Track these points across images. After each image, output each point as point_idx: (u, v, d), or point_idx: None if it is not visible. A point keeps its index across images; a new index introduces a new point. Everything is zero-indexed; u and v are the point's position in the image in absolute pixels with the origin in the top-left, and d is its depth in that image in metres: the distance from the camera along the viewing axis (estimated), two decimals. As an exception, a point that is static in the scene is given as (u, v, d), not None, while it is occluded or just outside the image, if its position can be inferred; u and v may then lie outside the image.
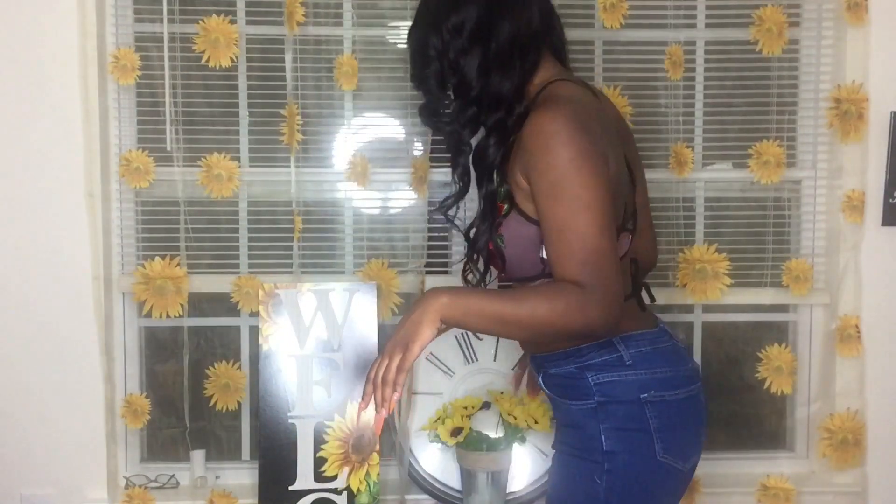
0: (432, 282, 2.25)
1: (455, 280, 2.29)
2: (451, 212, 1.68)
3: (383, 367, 1.45)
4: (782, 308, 2.36)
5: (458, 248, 2.30)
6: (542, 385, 1.63)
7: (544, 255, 1.46)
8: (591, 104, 1.52)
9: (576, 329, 1.39)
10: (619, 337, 1.52)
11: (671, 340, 1.60)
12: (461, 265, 1.71)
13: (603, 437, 1.50)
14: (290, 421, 2.12)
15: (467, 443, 2.11)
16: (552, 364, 1.58)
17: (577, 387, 1.54)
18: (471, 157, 1.60)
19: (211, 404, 2.24)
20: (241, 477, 2.28)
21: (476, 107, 1.54)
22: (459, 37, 1.52)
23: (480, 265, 1.63)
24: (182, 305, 2.19)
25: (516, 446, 2.16)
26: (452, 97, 1.59)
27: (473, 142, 1.61)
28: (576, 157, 1.39)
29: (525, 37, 1.54)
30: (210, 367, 2.24)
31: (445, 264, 2.31)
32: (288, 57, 2.17)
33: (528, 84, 1.55)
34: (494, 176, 1.55)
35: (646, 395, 1.50)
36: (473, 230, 1.58)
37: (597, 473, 1.50)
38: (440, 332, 1.46)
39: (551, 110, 1.44)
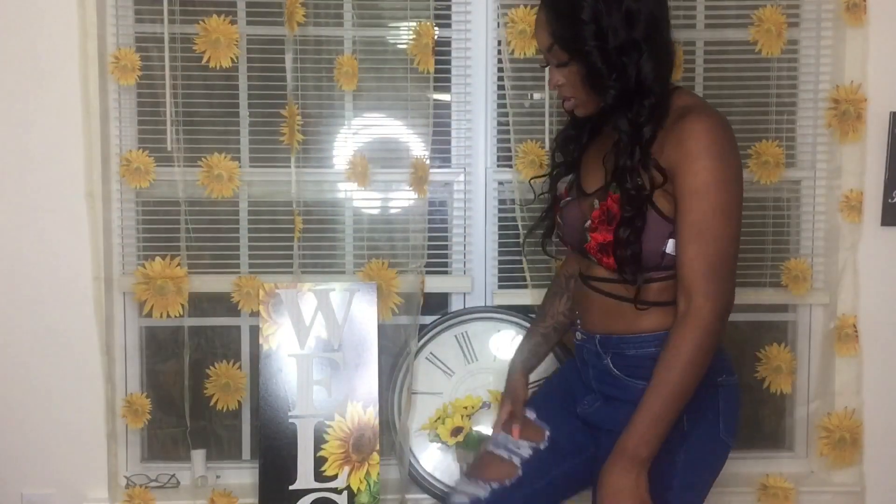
0: (432, 282, 2.26)
1: (457, 280, 2.30)
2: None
3: None
4: (781, 308, 2.36)
5: (457, 247, 2.30)
6: (610, 365, 1.66)
7: (668, 251, 1.55)
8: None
9: (711, 342, 1.51)
10: None
11: None
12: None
13: (685, 418, 1.56)
14: (291, 421, 2.12)
15: (467, 443, 2.11)
16: (633, 346, 1.63)
17: None
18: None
19: (212, 404, 2.25)
20: (242, 476, 2.29)
21: (639, 94, 1.56)
22: (630, 27, 1.53)
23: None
24: (182, 305, 2.19)
25: (516, 446, 2.16)
26: (616, 77, 1.56)
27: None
28: (726, 167, 1.50)
29: (670, 38, 1.63)
30: (210, 367, 2.25)
31: (445, 264, 2.32)
32: (288, 57, 2.18)
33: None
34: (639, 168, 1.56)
35: (720, 378, 1.62)
36: (625, 235, 1.56)
37: (675, 453, 1.58)
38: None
39: (710, 119, 1.52)
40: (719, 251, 1.51)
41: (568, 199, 1.73)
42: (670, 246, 1.55)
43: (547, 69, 1.68)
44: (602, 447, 1.65)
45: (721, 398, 1.63)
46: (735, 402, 1.68)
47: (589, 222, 1.62)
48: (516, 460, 1.78)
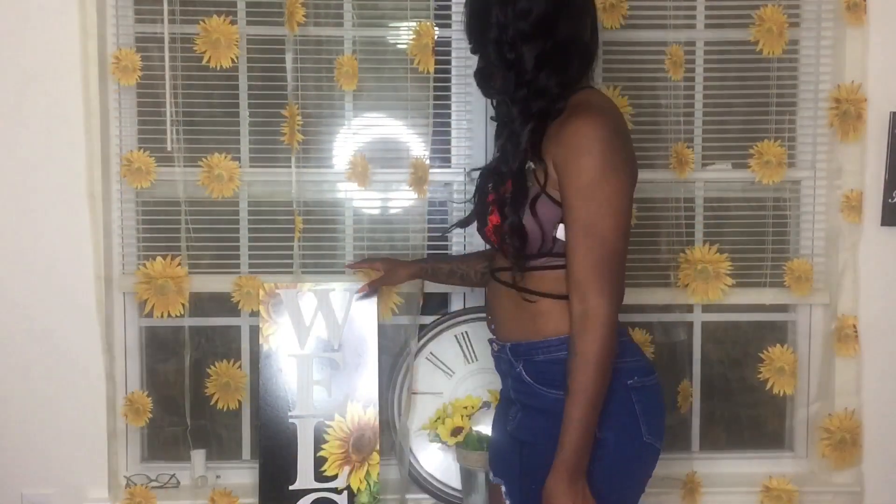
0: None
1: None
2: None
3: None
4: (781, 308, 2.35)
5: (457, 248, 2.30)
6: (523, 373, 1.64)
7: (559, 236, 1.57)
8: (621, 115, 1.67)
9: (612, 338, 1.52)
10: None
11: (628, 333, 1.74)
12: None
13: (598, 427, 1.54)
14: (291, 420, 2.12)
15: (467, 443, 2.11)
16: (541, 351, 1.61)
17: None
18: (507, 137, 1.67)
19: (212, 403, 2.25)
20: (242, 476, 2.28)
21: (526, 90, 1.60)
22: (523, 21, 1.58)
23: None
24: (183, 305, 2.20)
25: (516, 446, 2.16)
26: (507, 70, 1.62)
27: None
28: (610, 163, 1.52)
29: (580, 43, 1.64)
30: (211, 367, 2.25)
31: (445, 264, 2.32)
32: (288, 57, 2.18)
33: (573, 85, 1.63)
34: (527, 157, 1.61)
35: (631, 381, 1.60)
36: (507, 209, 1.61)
37: (590, 462, 1.54)
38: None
39: (593, 116, 1.54)
40: (608, 249, 1.51)
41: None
42: (560, 231, 1.56)
43: None
44: (524, 461, 1.63)
45: (636, 400, 1.60)
46: (655, 402, 1.65)
47: (490, 208, 1.66)
48: None
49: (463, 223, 1.92)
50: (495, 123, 1.73)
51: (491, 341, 1.75)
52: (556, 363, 1.58)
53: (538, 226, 1.57)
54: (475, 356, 2.23)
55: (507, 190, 1.62)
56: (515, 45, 1.59)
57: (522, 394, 1.66)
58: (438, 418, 2.16)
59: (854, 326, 2.24)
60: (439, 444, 2.18)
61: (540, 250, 1.59)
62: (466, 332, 2.23)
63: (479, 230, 1.76)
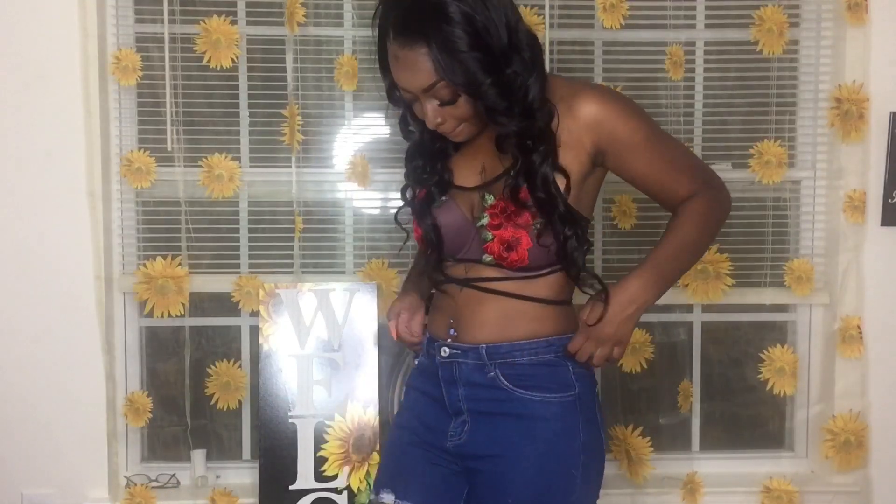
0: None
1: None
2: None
3: (592, 351, 1.49)
4: (781, 308, 2.35)
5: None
6: (499, 377, 1.52)
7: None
8: None
9: (725, 216, 1.58)
10: None
11: None
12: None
13: (581, 429, 1.52)
14: (291, 420, 2.12)
15: (467, 442, 2.10)
16: (528, 352, 1.52)
17: (558, 377, 1.51)
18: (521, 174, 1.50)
19: (212, 403, 2.25)
20: (242, 476, 2.28)
21: (530, 114, 1.47)
22: (516, 48, 1.44)
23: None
24: (183, 305, 2.20)
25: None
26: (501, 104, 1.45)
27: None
28: (642, 111, 1.55)
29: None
30: (211, 366, 2.25)
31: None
32: (288, 57, 2.18)
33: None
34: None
35: (597, 389, 1.60)
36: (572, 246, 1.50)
37: (574, 466, 1.51)
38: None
39: (599, 88, 1.61)
40: (691, 155, 1.63)
41: (443, 199, 1.56)
42: None
43: (413, 106, 1.50)
44: (485, 479, 1.53)
45: (600, 409, 1.57)
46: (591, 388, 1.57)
47: (487, 219, 1.48)
48: None
49: (437, 260, 1.58)
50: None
51: (439, 346, 1.56)
52: (539, 366, 1.51)
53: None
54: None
55: (508, 202, 1.47)
56: (518, 74, 1.44)
57: (485, 402, 1.53)
58: (438, 418, 2.16)
59: (859, 328, 2.23)
60: (439, 444, 2.17)
61: (547, 260, 1.49)
62: (466, 332, 2.23)
63: (454, 247, 1.55)
